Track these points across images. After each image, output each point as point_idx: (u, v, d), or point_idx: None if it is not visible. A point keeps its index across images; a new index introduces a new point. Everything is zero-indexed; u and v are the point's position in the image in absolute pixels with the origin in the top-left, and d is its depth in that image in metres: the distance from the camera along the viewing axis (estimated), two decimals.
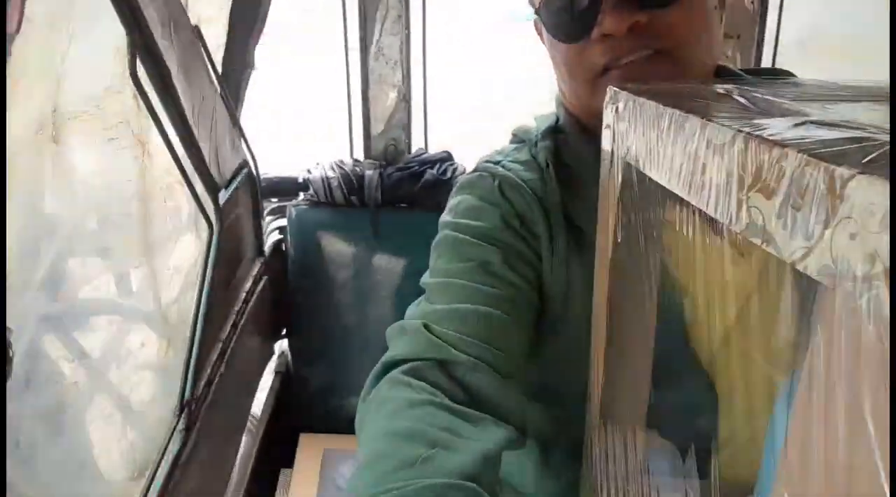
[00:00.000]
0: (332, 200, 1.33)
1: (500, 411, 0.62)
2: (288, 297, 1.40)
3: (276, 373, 1.42)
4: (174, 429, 0.78)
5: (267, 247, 1.37)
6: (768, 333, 0.75)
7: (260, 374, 1.35)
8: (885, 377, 0.26)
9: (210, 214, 0.90)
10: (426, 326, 0.67)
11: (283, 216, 1.43)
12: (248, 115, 1.21)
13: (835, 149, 0.30)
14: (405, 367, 0.64)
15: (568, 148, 0.79)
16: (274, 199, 1.43)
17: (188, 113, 0.75)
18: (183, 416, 0.80)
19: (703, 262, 0.58)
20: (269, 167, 1.37)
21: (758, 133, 0.33)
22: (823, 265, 0.29)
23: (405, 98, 1.34)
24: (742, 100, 0.44)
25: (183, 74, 0.71)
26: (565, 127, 0.80)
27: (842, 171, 0.27)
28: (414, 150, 1.39)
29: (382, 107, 1.35)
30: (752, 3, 1.38)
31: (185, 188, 0.81)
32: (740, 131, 0.34)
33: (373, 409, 0.62)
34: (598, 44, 0.69)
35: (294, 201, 1.39)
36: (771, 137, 0.32)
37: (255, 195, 1.22)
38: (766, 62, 1.36)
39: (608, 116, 0.55)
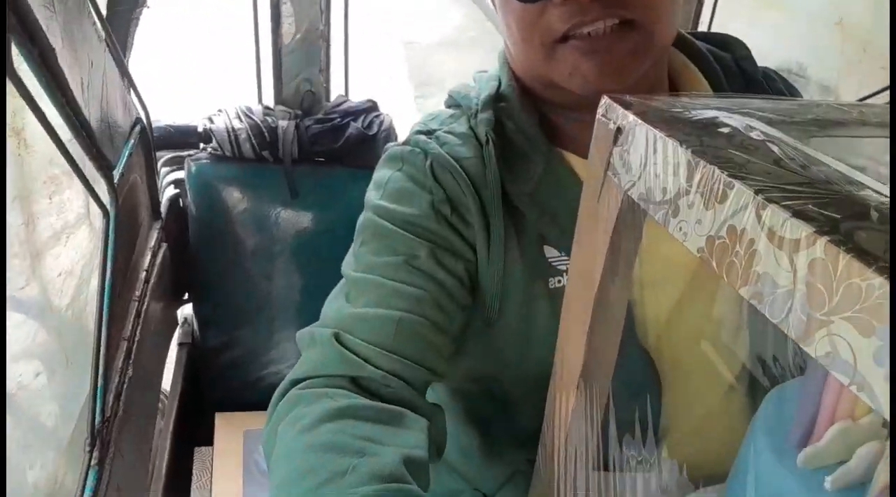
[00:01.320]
0: (239, 154, 1.16)
1: (420, 423, 0.61)
2: (190, 260, 1.25)
3: (181, 344, 1.28)
4: (88, 465, 0.66)
5: (163, 206, 1.19)
6: (711, 316, 0.74)
7: (167, 347, 1.21)
8: None
9: (104, 199, 0.74)
10: (338, 337, 0.63)
11: (180, 168, 1.24)
12: (135, 57, 1.01)
13: None
14: (315, 381, 0.62)
15: (510, 120, 0.73)
16: (167, 151, 1.24)
17: (75, 88, 0.58)
18: (96, 448, 0.67)
19: (647, 243, 0.55)
20: (161, 115, 1.18)
21: (846, 244, 0.26)
22: None
23: (323, 35, 1.17)
24: (776, 151, 0.37)
25: (68, 44, 0.54)
26: (508, 95, 0.74)
27: None
28: (333, 97, 1.23)
29: (296, 44, 1.18)
30: None
31: (74, 177, 0.65)
32: (819, 236, 0.27)
33: (286, 426, 0.58)
34: (558, 7, 0.62)
35: (193, 154, 1.20)
36: (864, 256, 0.25)
37: (149, 152, 1.04)
38: (705, 14, 1.31)
39: (601, 130, 0.47)
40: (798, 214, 0.29)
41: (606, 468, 0.57)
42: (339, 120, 1.16)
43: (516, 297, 0.70)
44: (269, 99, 1.22)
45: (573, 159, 0.73)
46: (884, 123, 0.44)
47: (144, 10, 0.89)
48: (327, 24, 1.17)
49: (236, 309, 1.27)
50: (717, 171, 0.34)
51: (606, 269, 0.50)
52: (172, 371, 1.23)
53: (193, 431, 1.23)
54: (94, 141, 0.68)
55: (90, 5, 0.64)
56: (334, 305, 0.69)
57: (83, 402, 0.71)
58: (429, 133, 0.73)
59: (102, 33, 0.72)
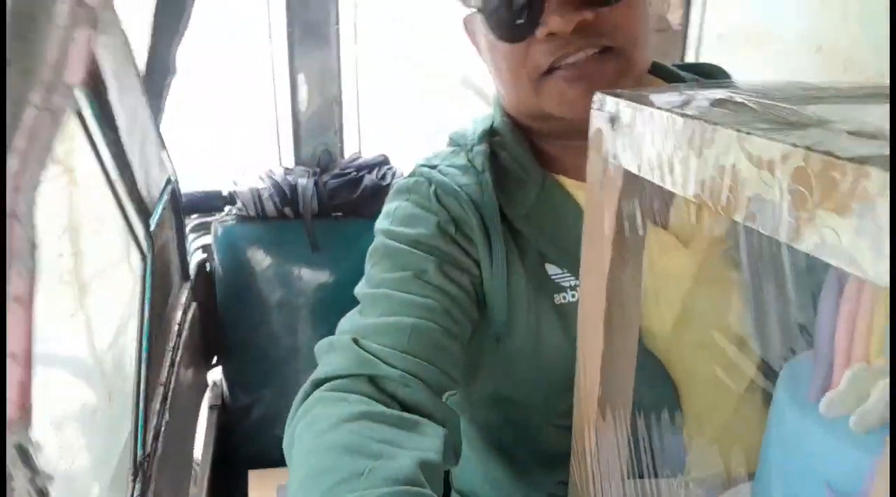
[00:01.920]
0: (262, 213, 1.22)
1: (435, 420, 0.62)
2: (217, 323, 1.28)
3: (212, 407, 1.30)
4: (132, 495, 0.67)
5: (191, 270, 1.24)
6: (717, 317, 0.76)
7: (198, 411, 1.23)
8: None
9: (142, 243, 0.79)
10: (356, 341, 0.65)
11: (207, 233, 1.30)
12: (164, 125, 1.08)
13: None
14: (335, 383, 0.63)
15: (504, 151, 0.78)
16: (194, 216, 1.30)
17: (122, 130, 0.64)
18: (138, 479, 0.69)
19: (649, 252, 0.57)
20: (188, 180, 1.25)
21: (820, 149, 0.30)
22: None
23: (337, 100, 1.26)
24: (752, 105, 0.42)
25: (116, 85, 0.60)
26: (501, 129, 0.79)
27: None
28: (347, 154, 1.30)
29: (312, 109, 1.26)
30: None
31: (119, 216, 0.70)
32: (796, 147, 0.31)
33: (306, 427, 0.59)
34: (542, 43, 0.68)
35: (219, 217, 1.26)
36: (837, 154, 0.29)
37: (179, 212, 1.10)
38: (690, 55, 1.38)
39: (597, 122, 0.52)
40: (775, 137, 0.33)
41: (640, 476, 0.58)
42: (354, 173, 1.22)
43: (523, 313, 0.74)
44: (288, 161, 1.30)
45: (567, 182, 0.77)
46: (861, 95, 0.47)
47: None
48: (339, 88, 1.26)
49: (263, 366, 1.29)
50: (704, 123, 0.38)
51: (615, 274, 0.52)
52: (204, 435, 1.24)
53: (228, 491, 1.22)
54: (135, 185, 0.73)
55: (134, 62, 0.71)
56: (348, 321, 0.72)
57: (124, 440, 0.73)
58: (431, 167, 0.79)
59: (144, 97, 0.78)
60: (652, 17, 1.30)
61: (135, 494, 0.68)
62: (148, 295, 0.80)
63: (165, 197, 0.95)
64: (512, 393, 0.75)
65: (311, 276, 1.25)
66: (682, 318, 0.77)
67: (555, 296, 0.75)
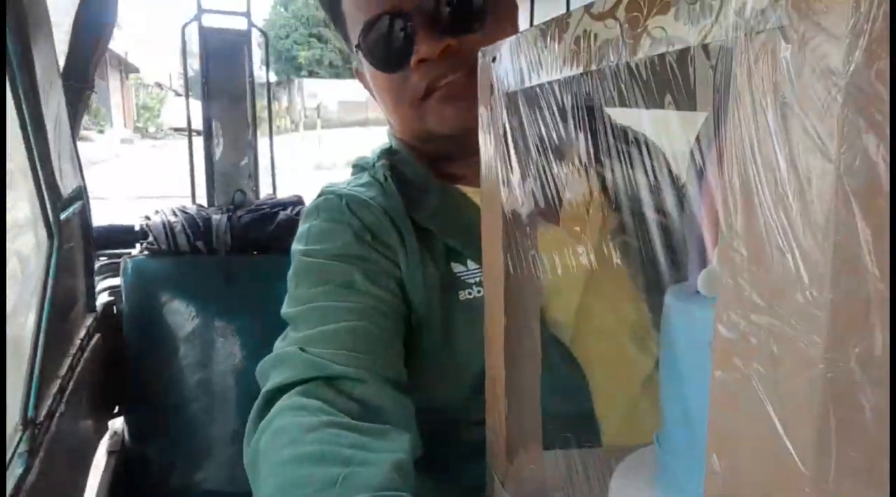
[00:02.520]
0: (175, 247, 1.23)
1: (397, 419, 0.63)
2: (121, 372, 1.23)
3: (111, 452, 1.22)
4: (16, 449, 0.63)
5: (98, 308, 1.21)
6: (615, 305, 0.82)
7: (92, 456, 1.15)
8: (813, 79, 0.30)
9: (51, 222, 0.80)
10: (302, 349, 0.66)
11: (115, 275, 1.29)
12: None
13: None
14: (292, 391, 0.63)
15: (403, 164, 0.85)
16: (103, 258, 1.29)
17: (41, 91, 0.68)
18: (26, 436, 0.65)
19: (546, 248, 0.63)
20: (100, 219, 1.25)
21: None
22: (728, 24, 0.34)
23: (250, 144, 1.32)
24: None
25: (37, 47, 0.65)
26: (399, 148, 0.88)
27: None
28: (262, 197, 1.35)
29: (225, 155, 1.32)
30: None
31: (30, 181, 0.71)
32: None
33: (269, 440, 0.58)
34: (416, 70, 0.77)
35: (130, 254, 1.26)
36: None
37: (88, 237, 1.10)
38: None
39: (483, 75, 0.60)
40: None
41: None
42: (268, 209, 1.27)
43: (435, 309, 0.77)
44: (202, 201, 1.33)
45: (467, 190, 0.85)
46: None
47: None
48: (254, 135, 1.33)
49: (169, 408, 1.24)
50: (562, 18, 0.47)
51: (511, 255, 0.56)
52: (99, 480, 1.16)
53: None
54: (49, 160, 0.76)
55: (54, 44, 0.76)
56: (283, 342, 0.72)
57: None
58: (337, 189, 0.85)
59: (60, 82, 0.82)
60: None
61: (20, 448, 0.64)
62: (52, 276, 0.80)
63: (75, 205, 0.96)
64: (429, 393, 0.76)
65: (224, 310, 1.25)
66: (583, 307, 0.83)
67: (460, 292, 0.80)
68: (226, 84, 1.29)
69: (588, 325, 0.82)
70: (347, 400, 0.62)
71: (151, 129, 22.78)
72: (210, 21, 1.27)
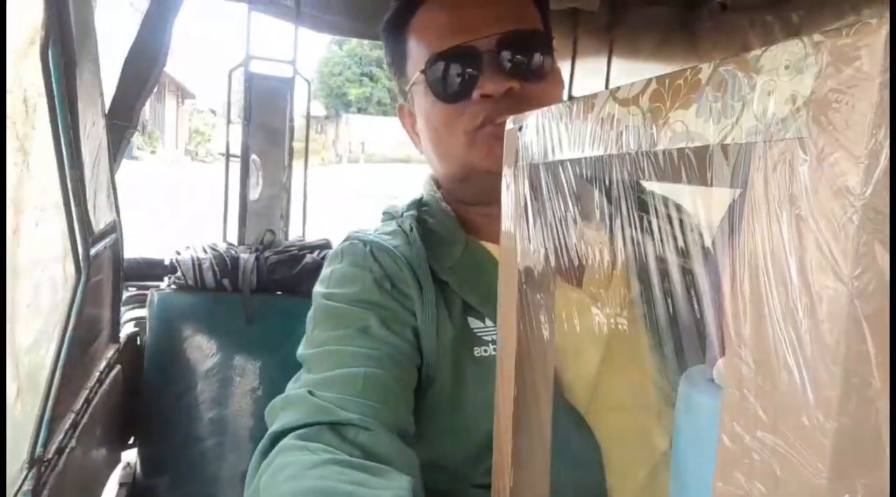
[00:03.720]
0: (202, 284, 1.25)
1: (400, 468, 0.62)
2: (140, 402, 1.25)
3: (122, 485, 1.23)
4: (19, 488, 0.64)
5: (121, 338, 1.23)
6: (634, 376, 0.80)
7: (102, 488, 1.15)
8: (823, 175, 0.29)
9: (80, 257, 0.81)
10: (311, 393, 0.67)
11: (141, 306, 1.31)
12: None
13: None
14: (296, 433, 0.63)
15: (431, 217, 0.87)
16: (132, 288, 1.32)
17: (81, 128, 0.70)
18: (31, 475, 0.66)
19: (566, 310, 0.62)
20: (132, 251, 1.28)
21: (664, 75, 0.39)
22: (749, 127, 0.33)
23: (285, 187, 1.35)
24: None
25: (83, 85, 0.68)
26: (429, 200, 0.89)
27: (754, 54, 0.33)
28: (291, 238, 1.37)
29: (261, 196, 1.34)
30: None
31: (63, 217, 0.73)
32: (651, 78, 0.40)
33: (270, 476, 0.59)
34: (477, 103, 0.80)
35: (158, 287, 1.29)
36: (676, 71, 0.38)
37: (118, 269, 1.12)
38: None
39: (510, 142, 0.61)
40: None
41: None
42: (296, 251, 1.28)
43: (447, 363, 0.77)
44: (233, 240, 1.35)
45: (489, 246, 0.86)
46: None
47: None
48: (289, 178, 1.36)
49: (183, 442, 1.24)
50: (587, 98, 0.48)
51: (527, 318, 0.55)
52: None
53: None
54: (83, 196, 0.78)
55: (100, 83, 0.79)
56: (296, 384, 0.73)
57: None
58: (364, 235, 0.86)
59: (104, 125, 0.85)
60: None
61: (24, 487, 0.64)
62: (76, 311, 0.81)
63: (107, 240, 0.99)
64: (435, 450, 0.76)
65: (244, 348, 1.26)
66: (601, 376, 0.81)
67: (475, 348, 0.80)
68: (267, 127, 1.32)
69: (606, 396, 0.81)
70: (351, 446, 0.62)
71: (201, 153, 23.48)
72: (257, 66, 1.31)
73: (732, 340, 0.34)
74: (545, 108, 0.54)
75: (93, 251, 0.88)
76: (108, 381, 1.07)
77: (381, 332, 0.74)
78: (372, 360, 0.70)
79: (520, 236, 0.58)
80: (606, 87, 1.61)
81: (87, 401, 0.89)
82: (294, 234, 1.39)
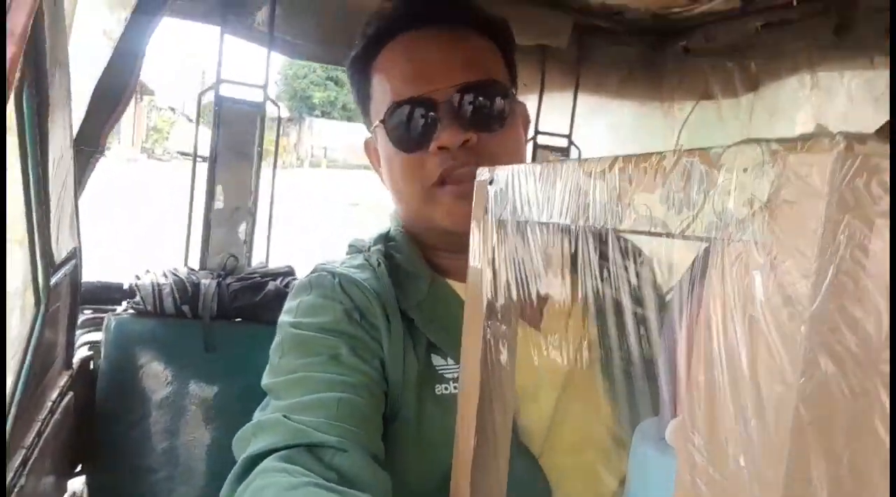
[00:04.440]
0: (161, 310, 1.23)
1: (374, 491, 0.63)
2: (90, 425, 1.21)
3: None
4: None
5: (74, 362, 1.20)
6: (587, 419, 0.82)
7: None
8: (775, 282, 0.31)
9: (40, 290, 0.80)
10: (286, 417, 0.67)
11: (97, 329, 1.28)
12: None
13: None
14: (276, 456, 0.64)
15: (398, 253, 0.88)
16: (88, 311, 1.29)
17: (50, 164, 0.69)
18: None
19: (525, 352, 0.64)
20: (91, 273, 1.26)
21: (634, 155, 0.41)
22: (709, 223, 0.35)
23: (250, 211, 1.34)
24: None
25: (54, 122, 0.67)
26: (396, 236, 0.90)
27: (716, 150, 0.35)
28: (254, 264, 1.36)
29: (224, 219, 1.33)
30: None
31: (25, 251, 0.72)
32: (618, 156, 0.43)
33: None
34: (434, 156, 0.81)
35: (115, 311, 1.26)
36: (647, 153, 0.40)
37: (76, 294, 1.10)
38: None
39: (479, 193, 0.62)
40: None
41: None
42: (258, 278, 1.28)
43: (410, 399, 0.78)
44: (195, 264, 1.34)
45: (455, 284, 0.87)
46: None
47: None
48: (255, 203, 1.35)
49: (134, 472, 1.21)
50: (556, 164, 0.50)
51: (488, 359, 0.57)
52: None
53: None
54: (47, 228, 0.77)
55: (70, 113, 0.78)
56: (265, 411, 0.72)
57: None
58: (331, 267, 0.87)
59: (72, 155, 0.84)
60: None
61: None
62: (33, 346, 0.79)
63: (68, 266, 0.97)
64: (399, 479, 0.78)
65: (202, 377, 1.24)
66: (557, 419, 0.83)
67: (436, 386, 0.81)
68: (235, 151, 1.32)
69: (559, 438, 0.82)
70: (327, 469, 0.62)
71: (158, 151, 23.02)
72: (227, 90, 1.30)
73: (686, 424, 0.36)
74: (515, 167, 0.56)
75: (53, 280, 0.86)
76: (59, 410, 1.05)
77: (351, 359, 0.74)
78: (346, 385, 0.71)
79: (486, 280, 0.59)
80: (572, 122, 1.65)
81: (39, 434, 0.87)
82: (257, 258, 1.38)
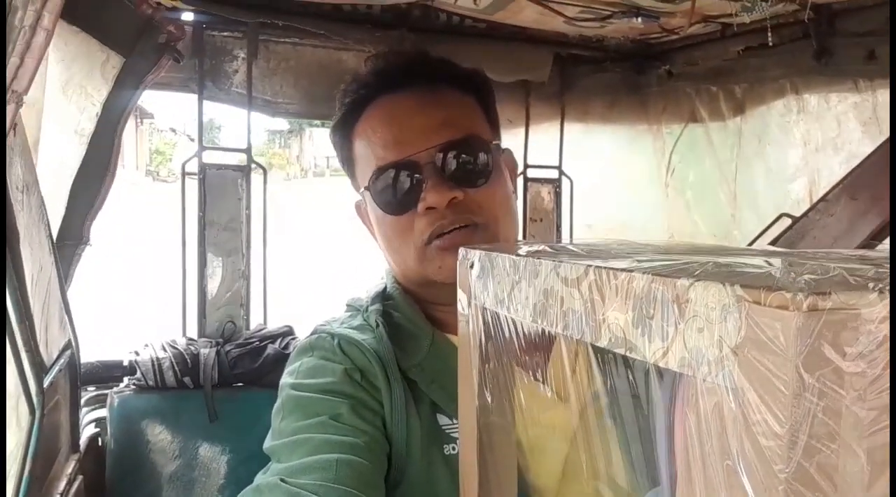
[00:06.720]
0: (162, 383, 1.22)
1: None
2: None
3: None
4: None
5: (82, 442, 1.20)
6: (596, 473, 0.81)
7: None
8: (749, 437, 0.30)
9: (33, 398, 0.80)
10: (283, 480, 0.66)
11: (102, 406, 1.28)
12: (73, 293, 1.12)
13: (670, 271, 0.37)
14: None
15: (397, 311, 0.87)
16: (91, 388, 1.29)
17: (28, 282, 0.69)
18: None
19: (529, 408, 0.63)
20: (91, 351, 1.26)
21: (605, 266, 0.40)
22: (681, 358, 0.34)
23: (244, 275, 1.34)
24: (575, 250, 0.53)
25: (27, 240, 0.67)
26: (393, 293, 0.89)
27: (683, 282, 0.34)
28: (253, 326, 1.36)
29: (219, 285, 1.33)
30: (549, 194, 1.63)
31: (13, 366, 0.72)
32: (589, 266, 0.42)
33: None
34: (423, 216, 0.81)
35: (117, 388, 1.26)
36: (616, 268, 0.39)
37: (75, 381, 1.10)
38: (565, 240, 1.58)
39: (462, 274, 0.62)
40: (579, 263, 0.43)
41: None
42: (257, 343, 1.27)
43: (416, 461, 0.77)
44: (193, 332, 1.33)
45: (455, 339, 0.86)
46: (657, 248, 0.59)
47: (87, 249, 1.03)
48: (248, 265, 1.35)
49: None
50: (532, 259, 0.49)
51: (486, 419, 0.58)
52: None
53: None
54: (34, 338, 0.77)
55: (47, 224, 0.78)
56: (265, 474, 0.72)
57: None
58: (331, 328, 0.86)
59: (54, 258, 0.84)
60: (536, 210, 1.51)
61: None
62: (31, 456, 0.79)
63: (63, 360, 0.97)
64: None
65: (208, 447, 1.23)
66: (567, 473, 0.82)
67: (444, 446, 0.80)
68: (223, 216, 1.32)
69: (571, 492, 0.81)
70: None
71: (163, 173, 23.16)
72: (210, 157, 1.30)
73: None
74: (492, 255, 0.55)
75: (47, 382, 0.86)
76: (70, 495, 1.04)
77: (352, 420, 0.74)
78: (346, 446, 0.70)
79: (480, 346, 0.58)
80: (560, 152, 1.64)
81: None
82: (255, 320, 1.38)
